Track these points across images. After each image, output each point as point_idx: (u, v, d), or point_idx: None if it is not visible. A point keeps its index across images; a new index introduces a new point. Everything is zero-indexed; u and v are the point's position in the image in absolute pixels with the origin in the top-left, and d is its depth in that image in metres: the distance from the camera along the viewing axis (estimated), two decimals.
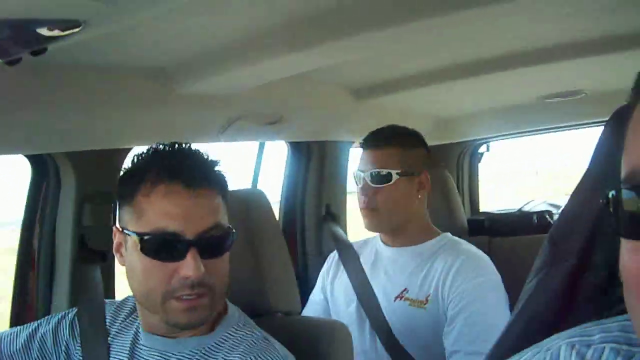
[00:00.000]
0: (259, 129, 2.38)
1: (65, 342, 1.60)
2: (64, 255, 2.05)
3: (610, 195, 0.68)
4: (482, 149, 4.06)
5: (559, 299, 1.07)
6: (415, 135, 2.49)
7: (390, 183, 2.32)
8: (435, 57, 2.35)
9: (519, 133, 3.91)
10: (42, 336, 1.61)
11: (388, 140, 2.41)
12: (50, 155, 2.01)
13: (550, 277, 1.09)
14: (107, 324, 1.60)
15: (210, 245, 1.37)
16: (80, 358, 1.56)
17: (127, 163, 1.49)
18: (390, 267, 2.38)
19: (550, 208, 3.68)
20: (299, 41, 1.72)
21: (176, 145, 1.45)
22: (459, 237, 2.57)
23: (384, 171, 2.33)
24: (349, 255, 2.50)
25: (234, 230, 1.43)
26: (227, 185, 1.48)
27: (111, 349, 1.55)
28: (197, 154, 1.44)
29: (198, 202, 1.36)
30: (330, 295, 2.50)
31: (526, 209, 3.73)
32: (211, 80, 1.94)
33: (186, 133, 2.25)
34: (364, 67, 2.39)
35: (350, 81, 2.64)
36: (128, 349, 1.51)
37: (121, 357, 1.52)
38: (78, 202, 2.04)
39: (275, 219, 1.87)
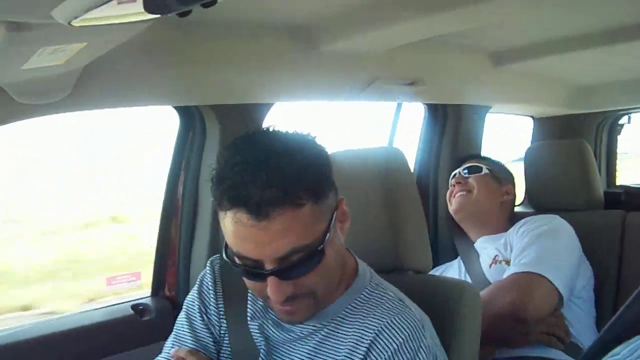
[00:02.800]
0: (397, 89, 2.40)
1: (213, 298, 1.55)
2: (206, 203, 2.15)
3: None
4: (623, 120, 3.90)
5: None
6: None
7: (481, 173, 2.74)
8: (576, 23, 2.29)
9: None
10: (195, 315, 1.55)
11: (483, 156, 2.94)
12: (197, 108, 2.10)
13: None
14: None
15: (291, 269, 1.26)
16: (223, 305, 1.54)
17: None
18: (480, 251, 2.65)
19: None
20: (435, 4, 1.73)
21: (249, 148, 1.26)
22: (594, 209, 2.83)
23: (476, 164, 2.78)
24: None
25: (325, 240, 1.29)
26: (314, 185, 1.27)
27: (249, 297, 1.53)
28: (271, 164, 1.21)
29: (270, 229, 1.21)
30: None
31: None
32: (352, 39, 1.97)
33: (327, 91, 2.30)
34: (502, 32, 2.37)
35: (489, 46, 2.61)
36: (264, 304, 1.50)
37: (257, 310, 1.51)
38: None
39: (412, 177, 1.88)
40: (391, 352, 1.33)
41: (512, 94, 3.15)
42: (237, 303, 1.53)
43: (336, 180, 1.39)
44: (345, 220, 1.39)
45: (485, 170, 2.75)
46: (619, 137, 3.95)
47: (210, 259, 1.61)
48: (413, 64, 2.36)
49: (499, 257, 2.50)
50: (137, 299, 2.23)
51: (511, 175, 2.87)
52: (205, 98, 2.03)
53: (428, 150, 3.10)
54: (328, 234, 1.29)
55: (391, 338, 1.34)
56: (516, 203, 2.88)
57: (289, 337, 1.45)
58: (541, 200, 3.00)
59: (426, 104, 3.02)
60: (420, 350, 1.34)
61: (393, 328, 1.36)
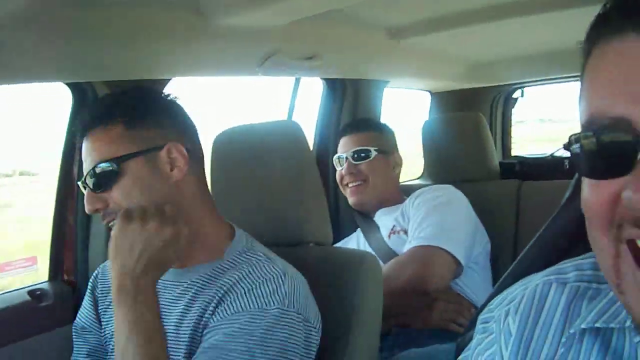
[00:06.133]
0: (295, 64, 2.38)
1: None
2: None
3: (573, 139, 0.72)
4: (517, 94, 4.02)
5: (573, 226, 1.10)
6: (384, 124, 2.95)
7: (371, 159, 2.72)
8: None
9: (556, 79, 3.85)
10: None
11: (364, 126, 2.85)
12: (90, 84, 2.03)
13: (571, 207, 1.12)
14: None
15: None
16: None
17: None
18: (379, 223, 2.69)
19: None
20: None
21: None
22: (491, 180, 2.94)
23: (364, 147, 2.74)
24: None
25: None
26: None
27: None
28: None
29: None
30: None
31: (558, 154, 3.69)
32: (247, 13, 1.94)
33: (223, 66, 2.26)
34: (400, 7, 2.38)
35: (386, 21, 2.62)
36: None
37: None
38: None
39: (310, 150, 1.88)
40: (245, 291, 1.39)
41: (410, 69, 3.18)
42: None
43: (236, 154, 1.42)
44: None
45: (374, 153, 2.72)
46: (513, 109, 4.07)
47: None
48: (310, 38, 2.35)
49: (396, 227, 2.55)
50: (34, 284, 2.15)
51: (394, 135, 2.89)
52: (98, 74, 1.97)
53: (327, 125, 3.11)
54: None
55: (247, 281, 1.41)
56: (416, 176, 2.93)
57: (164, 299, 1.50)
58: (439, 173, 3.07)
59: (324, 78, 3.03)
60: (276, 293, 1.38)
61: (251, 274, 1.42)
